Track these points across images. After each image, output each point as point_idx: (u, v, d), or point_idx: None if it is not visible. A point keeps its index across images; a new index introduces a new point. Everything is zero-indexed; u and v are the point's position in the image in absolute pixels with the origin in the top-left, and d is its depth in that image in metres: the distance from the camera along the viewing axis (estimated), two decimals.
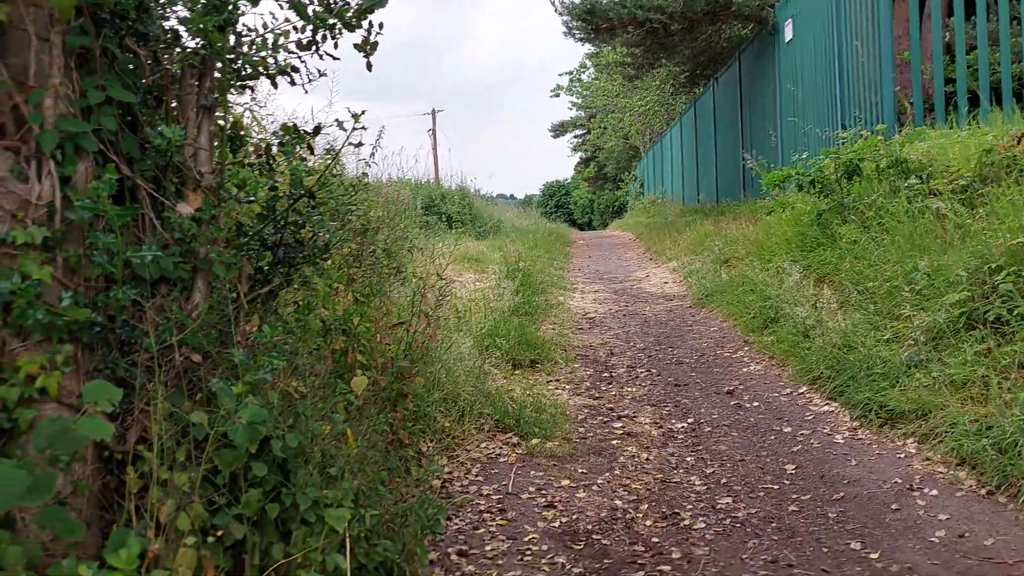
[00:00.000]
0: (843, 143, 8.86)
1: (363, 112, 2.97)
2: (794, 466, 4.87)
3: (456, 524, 4.32)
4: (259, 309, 3.01)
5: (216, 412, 2.59)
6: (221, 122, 3.10)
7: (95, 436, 2.20)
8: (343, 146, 2.99)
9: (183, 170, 2.87)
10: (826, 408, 5.81)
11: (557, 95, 45.89)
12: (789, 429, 5.52)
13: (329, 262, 4.43)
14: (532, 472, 5.07)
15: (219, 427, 2.50)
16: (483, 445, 5.49)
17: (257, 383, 2.67)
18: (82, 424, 2.17)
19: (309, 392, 2.89)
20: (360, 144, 3.05)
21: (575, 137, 50.19)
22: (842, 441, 5.18)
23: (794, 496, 4.44)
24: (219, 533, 2.47)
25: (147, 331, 2.56)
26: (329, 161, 3.66)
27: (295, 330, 3.52)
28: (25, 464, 2.18)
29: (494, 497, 4.70)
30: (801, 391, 6.26)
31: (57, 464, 2.31)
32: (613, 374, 7.32)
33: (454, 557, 3.97)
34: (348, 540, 2.77)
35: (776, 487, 4.58)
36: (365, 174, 5.29)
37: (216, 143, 3.01)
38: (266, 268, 3.14)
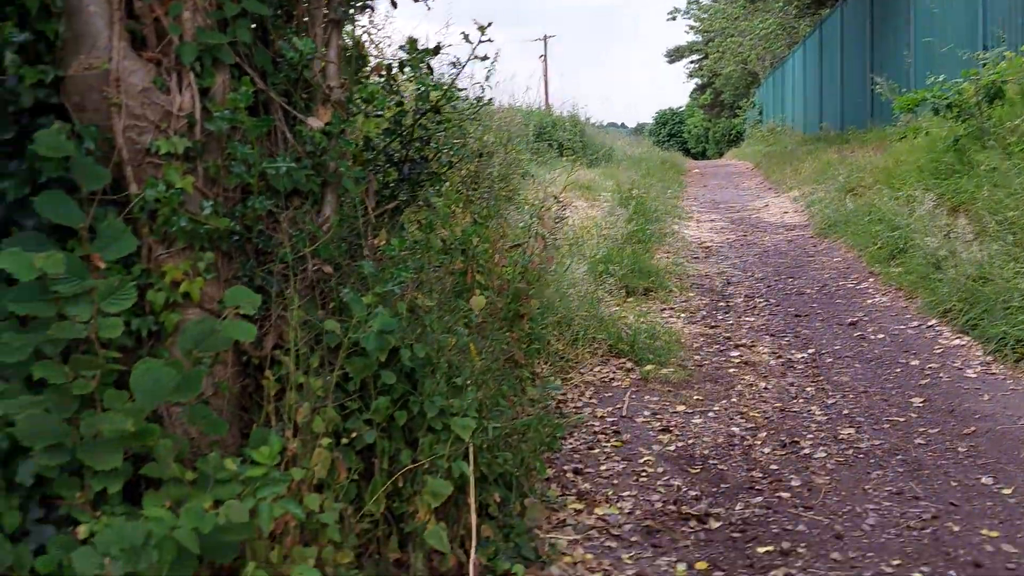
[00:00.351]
0: (984, 64, 8.27)
1: (489, 24, 2.93)
2: (921, 399, 4.69)
3: (571, 444, 4.36)
4: (386, 224, 3.06)
5: (347, 322, 2.66)
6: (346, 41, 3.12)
7: (239, 337, 2.30)
8: (469, 59, 2.96)
9: (312, 84, 2.91)
10: (957, 342, 5.56)
11: (674, 18, 44.33)
12: (917, 362, 5.31)
13: (448, 184, 4.46)
14: (646, 397, 5.06)
15: (351, 336, 2.57)
16: (596, 369, 5.51)
17: (385, 295, 2.73)
18: (227, 326, 2.27)
19: (434, 306, 2.93)
20: (485, 57, 3.02)
21: (691, 63, 48.61)
22: (974, 376, 4.96)
23: (921, 429, 4.29)
24: (353, 436, 2.56)
25: (282, 241, 2.64)
26: (451, 79, 3.64)
27: (418, 248, 3.57)
28: (174, 364, 2.30)
29: (608, 419, 4.73)
30: (930, 324, 6.00)
31: (200, 365, 2.43)
32: (730, 303, 7.19)
33: (570, 475, 4.02)
34: (472, 449, 2.83)
35: (902, 419, 4.44)
36: (480, 96, 5.25)
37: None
38: (392, 184, 3.18)
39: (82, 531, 2.15)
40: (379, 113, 3.08)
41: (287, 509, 2.13)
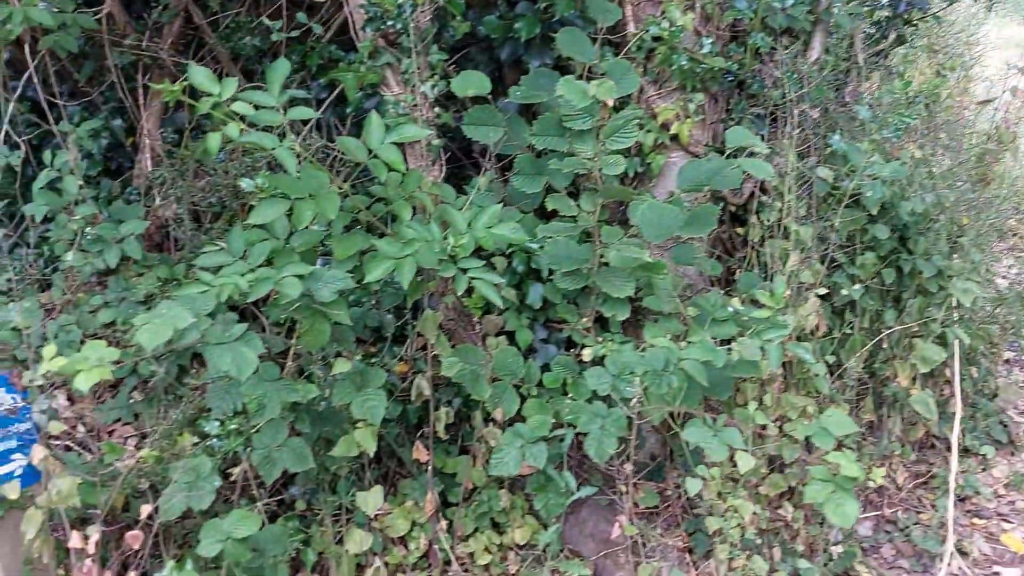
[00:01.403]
0: None
1: None
2: None
3: None
4: (876, 67, 2.80)
5: (836, 170, 2.51)
6: None
7: (758, 175, 2.24)
8: None
9: None
10: None
11: None
12: None
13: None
14: None
15: (855, 184, 2.40)
16: None
17: (881, 143, 2.51)
18: (745, 163, 2.22)
19: (933, 156, 2.66)
20: None
21: None
22: None
23: None
24: (853, 287, 2.43)
25: (774, 83, 2.52)
26: None
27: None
28: (675, 201, 2.32)
29: None
30: None
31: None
32: None
33: None
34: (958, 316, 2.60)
35: None
36: None
37: None
38: (881, 23, 2.90)
39: (586, 354, 2.30)
40: None
41: (796, 353, 2.09)
